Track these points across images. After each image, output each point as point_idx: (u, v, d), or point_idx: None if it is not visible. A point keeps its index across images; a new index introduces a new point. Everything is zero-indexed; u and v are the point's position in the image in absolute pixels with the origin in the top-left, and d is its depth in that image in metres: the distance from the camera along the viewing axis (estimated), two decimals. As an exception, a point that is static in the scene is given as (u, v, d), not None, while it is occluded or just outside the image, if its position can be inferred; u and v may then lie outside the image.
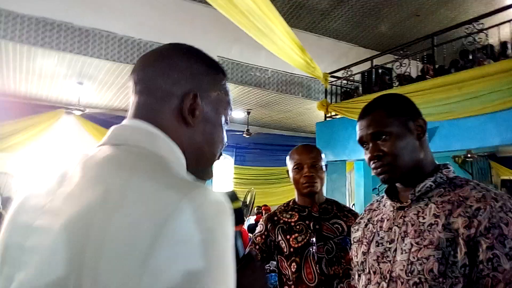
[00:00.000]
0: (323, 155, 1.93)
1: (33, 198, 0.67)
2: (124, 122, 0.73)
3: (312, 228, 1.82)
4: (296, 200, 1.95)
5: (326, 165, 1.93)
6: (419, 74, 6.68)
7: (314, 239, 1.79)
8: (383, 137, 1.14)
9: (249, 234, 5.89)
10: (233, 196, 0.91)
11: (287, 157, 1.95)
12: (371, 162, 1.16)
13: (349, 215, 1.87)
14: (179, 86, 0.74)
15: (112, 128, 0.73)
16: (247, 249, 0.88)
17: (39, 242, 0.60)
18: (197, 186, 0.59)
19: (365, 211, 1.37)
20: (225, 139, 0.84)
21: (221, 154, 0.84)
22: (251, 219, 8.51)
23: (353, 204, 9.02)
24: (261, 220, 2.02)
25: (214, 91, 0.79)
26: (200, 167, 0.79)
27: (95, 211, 0.56)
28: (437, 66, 6.07)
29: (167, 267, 0.52)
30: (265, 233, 1.91)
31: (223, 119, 0.81)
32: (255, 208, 10.43)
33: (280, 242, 1.85)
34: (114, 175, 0.61)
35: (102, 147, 0.69)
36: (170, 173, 0.62)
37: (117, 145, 0.68)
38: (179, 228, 0.53)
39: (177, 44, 0.80)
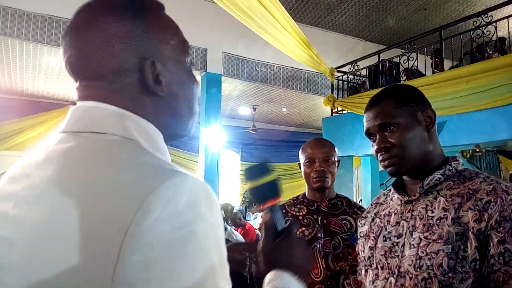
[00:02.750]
0: (336, 150, 1.91)
1: None
2: (83, 104, 0.62)
3: (319, 222, 1.81)
4: (306, 194, 1.94)
5: (338, 161, 1.91)
6: (433, 68, 6.61)
7: (321, 234, 1.77)
8: (391, 128, 1.11)
9: (256, 230, 5.88)
10: (264, 169, 0.86)
11: (300, 151, 1.93)
12: (379, 154, 1.14)
13: (359, 212, 1.85)
14: (129, 59, 0.62)
15: (71, 109, 0.63)
16: (287, 222, 0.86)
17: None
18: (169, 175, 0.51)
19: (371, 205, 1.34)
20: (197, 85, 0.74)
21: (199, 103, 0.76)
22: (258, 216, 8.51)
23: (361, 200, 8.99)
24: None
25: (166, 42, 0.66)
26: (181, 128, 0.71)
27: (58, 219, 0.50)
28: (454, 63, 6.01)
29: (137, 278, 0.46)
30: None
31: (187, 64, 0.71)
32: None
33: None
34: (75, 174, 0.54)
35: (63, 136, 0.60)
36: (140, 162, 0.54)
37: (79, 133, 0.59)
38: (147, 231, 0.46)
39: (95, 5, 0.64)
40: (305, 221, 1.83)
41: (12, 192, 0.58)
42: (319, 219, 1.82)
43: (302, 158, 1.91)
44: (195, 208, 0.50)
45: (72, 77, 0.66)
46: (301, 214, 1.86)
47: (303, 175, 1.90)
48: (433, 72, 6.19)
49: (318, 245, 1.76)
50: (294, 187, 10.26)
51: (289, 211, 1.90)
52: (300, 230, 1.81)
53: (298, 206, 1.90)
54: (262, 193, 0.85)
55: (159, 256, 0.46)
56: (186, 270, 0.47)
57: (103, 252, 0.46)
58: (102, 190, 0.50)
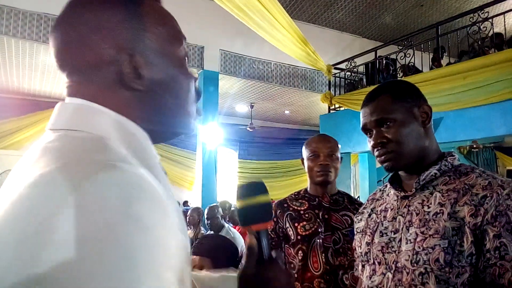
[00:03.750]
0: (339, 146, 1.94)
1: None
2: (66, 100, 0.60)
3: (321, 217, 1.82)
4: (308, 189, 1.95)
5: (341, 157, 1.94)
6: (431, 64, 6.61)
7: (322, 229, 1.78)
8: (387, 123, 1.11)
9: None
10: (258, 188, 0.79)
11: (304, 146, 1.95)
12: (375, 150, 1.14)
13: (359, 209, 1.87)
14: (105, 51, 0.58)
15: (56, 107, 0.60)
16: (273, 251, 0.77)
17: None
18: (102, 169, 0.46)
19: (368, 200, 1.35)
20: (192, 81, 0.67)
21: (198, 96, 0.69)
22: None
23: (358, 197, 9.01)
24: None
25: (147, 32, 0.61)
26: (174, 126, 0.66)
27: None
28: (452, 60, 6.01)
29: (52, 277, 0.40)
30: (274, 219, 1.91)
31: (177, 56, 0.65)
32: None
33: (288, 229, 1.85)
34: (24, 169, 0.52)
35: (47, 133, 0.58)
36: (82, 158, 0.50)
37: (56, 131, 0.57)
38: (66, 228, 0.41)
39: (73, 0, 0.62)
40: (306, 215, 1.84)
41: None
42: (320, 214, 1.83)
43: (306, 152, 1.92)
44: (122, 207, 0.44)
45: (60, 71, 0.63)
46: (302, 208, 1.87)
47: (306, 170, 1.92)
48: (431, 68, 6.20)
49: (318, 240, 1.77)
50: (292, 184, 10.30)
51: (291, 205, 1.91)
52: (301, 224, 1.82)
53: (300, 200, 1.92)
54: (253, 214, 0.77)
55: (73, 257, 0.41)
56: (100, 277, 0.41)
57: (21, 249, 0.42)
58: (34, 185, 0.47)
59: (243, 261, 0.74)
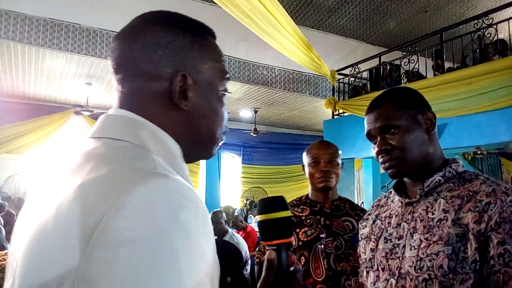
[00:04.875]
0: (340, 152, 1.94)
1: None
2: (110, 111, 0.66)
3: (322, 223, 1.82)
4: (310, 195, 1.95)
5: (342, 163, 1.94)
6: (434, 70, 6.61)
7: (323, 234, 1.78)
8: (392, 130, 1.12)
9: (257, 233, 5.89)
10: (280, 203, 0.81)
11: (304, 153, 1.95)
12: (379, 157, 1.15)
13: (361, 214, 1.85)
14: (163, 67, 0.64)
15: (100, 117, 0.66)
16: (292, 267, 0.77)
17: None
18: (152, 177, 0.51)
19: (372, 207, 1.35)
20: (225, 114, 0.74)
21: (225, 132, 0.75)
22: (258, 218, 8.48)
23: (362, 202, 8.98)
24: None
25: (204, 63, 0.69)
26: (200, 149, 0.72)
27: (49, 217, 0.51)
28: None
29: (100, 274, 0.45)
30: None
31: (220, 91, 0.72)
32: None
33: None
34: (74, 173, 0.56)
35: (88, 140, 0.63)
36: (132, 166, 0.54)
37: (98, 138, 0.62)
38: (117, 228, 0.46)
39: (149, 14, 0.69)
40: (308, 221, 1.84)
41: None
42: (322, 219, 1.83)
43: (306, 159, 1.92)
44: (171, 213, 0.48)
45: (114, 78, 0.68)
46: (304, 214, 1.87)
47: (307, 176, 1.92)
48: (434, 74, 6.19)
49: (320, 246, 1.77)
50: (295, 189, 10.27)
51: (292, 211, 1.91)
52: (303, 230, 1.82)
53: (301, 206, 1.92)
54: (274, 229, 0.79)
55: (123, 255, 0.45)
56: (147, 276, 0.45)
57: (70, 246, 0.46)
58: (85, 188, 0.51)
59: (263, 274, 0.75)
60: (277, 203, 0.81)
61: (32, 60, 6.23)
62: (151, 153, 0.59)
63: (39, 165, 8.14)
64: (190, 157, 0.70)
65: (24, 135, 7.79)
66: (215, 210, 4.69)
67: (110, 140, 0.60)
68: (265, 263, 0.76)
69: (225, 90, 0.73)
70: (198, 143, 0.70)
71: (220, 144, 0.75)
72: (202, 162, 7.08)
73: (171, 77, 0.64)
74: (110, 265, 0.45)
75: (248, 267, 3.89)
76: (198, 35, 0.70)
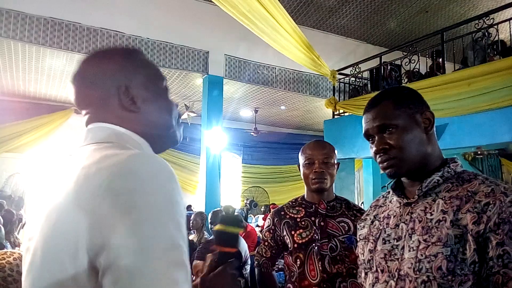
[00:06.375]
0: (335, 152, 1.91)
1: None
2: (92, 126, 0.86)
3: (317, 224, 1.80)
4: (305, 196, 1.93)
5: (338, 163, 1.91)
6: (428, 70, 6.61)
7: (318, 236, 1.77)
8: (390, 129, 1.11)
9: (258, 233, 5.88)
10: (238, 222, 1.02)
11: (300, 152, 1.93)
12: (377, 156, 1.14)
13: (358, 215, 1.83)
14: (109, 87, 0.86)
15: (86, 131, 0.87)
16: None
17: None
18: (154, 155, 0.75)
19: (370, 207, 1.34)
20: (172, 104, 0.95)
21: (179, 117, 0.97)
22: (259, 218, 8.50)
23: (362, 202, 8.98)
24: (269, 215, 2.01)
25: (138, 72, 0.90)
26: (163, 137, 0.93)
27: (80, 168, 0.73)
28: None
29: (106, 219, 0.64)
30: (272, 227, 1.91)
31: (159, 88, 0.93)
32: (262, 207, 10.43)
33: (285, 237, 1.83)
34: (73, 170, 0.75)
35: (86, 147, 0.82)
36: (113, 153, 0.74)
37: (91, 144, 0.82)
38: (99, 198, 0.65)
39: (89, 57, 0.91)
40: (303, 223, 1.83)
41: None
42: (317, 221, 1.81)
43: (301, 159, 1.90)
44: (170, 179, 0.71)
45: (79, 108, 0.90)
46: (299, 216, 1.86)
47: (302, 177, 1.90)
48: (434, 74, 6.18)
49: (315, 248, 1.76)
50: (295, 189, 10.26)
51: (288, 213, 1.90)
52: (298, 232, 1.81)
53: (297, 208, 1.90)
54: (227, 239, 1.02)
55: (107, 215, 0.64)
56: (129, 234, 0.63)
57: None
58: (83, 175, 0.71)
59: (204, 267, 0.99)
60: (236, 221, 1.03)
61: (32, 59, 6.23)
62: (128, 146, 0.81)
63: (39, 164, 8.13)
64: (161, 145, 0.93)
65: (24, 134, 7.79)
66: (215, 209, 4.69)
67: (101, 144, 0.81)
68: (207, 260, 1.00)
69: (166, 87, 0.95)
70: (160, 132, 0.92)
71: (180, 128, 0.97)
72: (202, 162, 7.07)
73: (118, 93, 0.86)
74: (110, 225, 0.64)
75: (248, 267, 3.88)
76: (126, 55, 0.92)
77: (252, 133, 10.11)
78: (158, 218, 0.65)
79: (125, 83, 0.87)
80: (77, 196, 0.68)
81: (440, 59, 6.24)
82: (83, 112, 0.89)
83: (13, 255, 1.73)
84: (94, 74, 0.87)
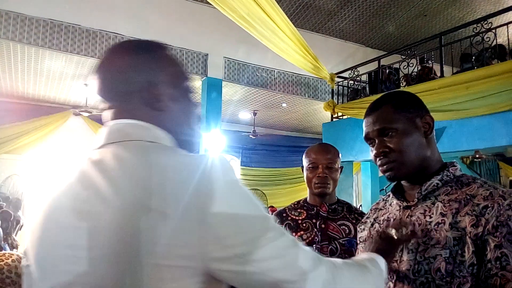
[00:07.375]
0: (339, 156, 1.90)
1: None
2: (116, 122, 0.83)
3: (318, 227, 1.81)
4: (308, 199, 1.94)
5: (341, 167, 1.91)
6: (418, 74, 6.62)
7: (318, 238, 1.77)
8: (390, 133, 1.12)
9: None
10: None
11: (304, 155, 1.92)
12: (377, 159, 1.15)
13: (359, 218, 1.82)
14: (137, 85, 0.83)
15: (108, 127, 0.83)
16: None
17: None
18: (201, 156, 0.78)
19: (371, 210, 1.35)
20: (195, 105, 0.93)
21: (199, 119, 0.95)
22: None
23: (360, 205, 8.98)
24: None
25: (165, 72, 0.87)
26: (185, 132, 0.90)
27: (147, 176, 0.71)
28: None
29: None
30: None
31: (184, 89, 0.91)
32: (262, 209, 10.41)
33: None
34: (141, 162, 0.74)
35: (109, 147, 0.79)
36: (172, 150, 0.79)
37: (122, 142, 0.79)
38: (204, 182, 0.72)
39: (116, 48, 0.90)
40: (304, 225, 1.83)
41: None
42: (318, 223, 1.82)
43: (305, 162, 1.90)
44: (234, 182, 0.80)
45: (101, 101, 0.87)
46: (300, 218, 1.86)
47: (305, 179, 1.90)
48: (423, 80, 6.17)
49: (315, 250, 1.76)
50: (294, 192, 10.26)
51: (289, 215, 1.90)
52: (299, 234, 1.81)
53: (299, 210, 1.91)
54: None
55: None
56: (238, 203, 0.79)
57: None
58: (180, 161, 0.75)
59: None
60: None
61: (31, 60, 6.23)
62: (164, 145, 0.81)
63: (38, 166, 8.11)
64: (183, 143, 0.88)
65: (23, 135, 7.77)
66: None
67: (127, 142, 0.79)
68: None
69: (189, 88, 0.92)
70: (182, 130, 0.89)
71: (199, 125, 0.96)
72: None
73: (145, 90, 0.83)
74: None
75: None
76: (154, 53, 0.88)
77: (250, 136, 10.10)
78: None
79: (152, 80, 0.84)
80: (158, 198, 0.68)
81: (431, 64, 6.28)
82: (106, 105, 0.86)
83: (11, 257, 1.73)
84: (121, 67, 0.84)
